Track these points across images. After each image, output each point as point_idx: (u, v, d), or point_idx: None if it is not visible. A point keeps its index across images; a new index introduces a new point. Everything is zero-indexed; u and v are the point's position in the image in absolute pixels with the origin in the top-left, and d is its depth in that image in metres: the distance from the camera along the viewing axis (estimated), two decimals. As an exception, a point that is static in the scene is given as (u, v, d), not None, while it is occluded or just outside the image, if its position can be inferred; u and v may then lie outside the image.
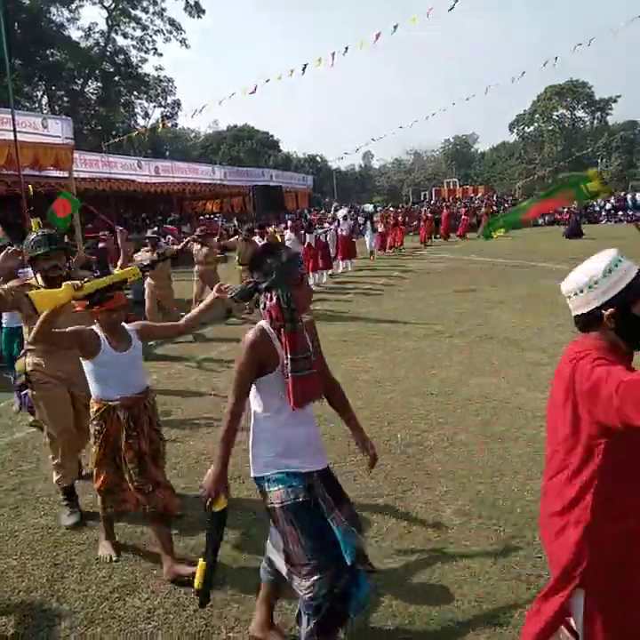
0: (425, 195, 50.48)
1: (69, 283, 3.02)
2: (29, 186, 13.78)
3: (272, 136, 64.78)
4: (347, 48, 19.56)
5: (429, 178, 71.34)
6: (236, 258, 11.49)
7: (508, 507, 3.74)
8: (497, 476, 4.17)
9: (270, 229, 14.36)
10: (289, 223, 14.34)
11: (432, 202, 41.35)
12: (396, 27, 18.51)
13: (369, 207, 25.85)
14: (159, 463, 3.39)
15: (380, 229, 21.77)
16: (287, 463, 2.36)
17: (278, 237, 12.72)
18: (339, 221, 18.27)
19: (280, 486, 2.34)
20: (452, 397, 5.81)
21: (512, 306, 10.22)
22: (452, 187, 50.74)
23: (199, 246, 9.85)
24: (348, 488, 4.02)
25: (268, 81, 20.37)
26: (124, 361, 3.22)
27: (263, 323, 2.34)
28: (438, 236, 26.76)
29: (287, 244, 12.87)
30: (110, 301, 3.22)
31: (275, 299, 2.26)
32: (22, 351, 4.00)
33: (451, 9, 16.57)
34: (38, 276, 3.87)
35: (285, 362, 2.28)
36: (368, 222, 20.71)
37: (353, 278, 15.51)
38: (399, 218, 23.51)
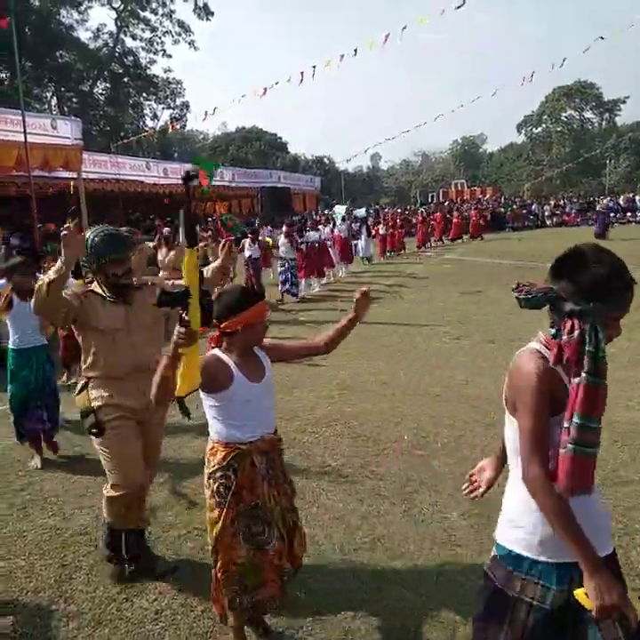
0: (433, 196, 50.37)
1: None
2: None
3: (280, 138, 64.87)
4: (356, 50, 19.61)
5: (437, 179, 71.20)
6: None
7: (516, 510, 3.71)
8: (504, 477, 4.13)
9: (267, 239, 14.07)
10: (284, 228, 13.48)
11: (433, 203, 41.28)
12: (404, 28, 18.53)
13: (360, 211, 22.78)
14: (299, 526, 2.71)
15: (381, 232, 21.14)
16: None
17: (271, 242, 12.34)
18: (334, 222, 17.62)
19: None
20: (460, 399, 5.80)
21: (518, 307, 10.18)
22: (460, 188, 50.62)
23: (165, 250, 9.05)
24: (353, 491, 4.04)
25: (276, 83, 20.44)
26: (258, 393, 2.51)
27: (540, 348, 1.76)
28: (446, 237, 26.28)
29: (281, 249, 12.59)
30: (250, 313, 2.43)
31: (579, 333, 1.60)
32: (81, 383, 3.18)
33: (459, 7, 16.55)
34: (95, 284, 3.13)
35: (566, 425, 1.62)
36: (362, 227, 19.38)
37: (356, 281, 15.44)
38: (397, 220, 22.89)
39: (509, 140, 71.53)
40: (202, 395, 2.46)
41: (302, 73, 19.82)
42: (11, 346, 4.88)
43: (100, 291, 3.08)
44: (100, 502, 4.05)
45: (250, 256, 12.34)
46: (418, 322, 9.49)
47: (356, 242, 18.68)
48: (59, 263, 2.80)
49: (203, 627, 2.83)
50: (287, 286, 12.57)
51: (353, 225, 18.68)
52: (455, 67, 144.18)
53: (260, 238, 13.16)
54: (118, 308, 3.07)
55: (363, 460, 4.55)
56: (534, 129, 64.00)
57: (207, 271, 3.26)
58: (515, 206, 35.76)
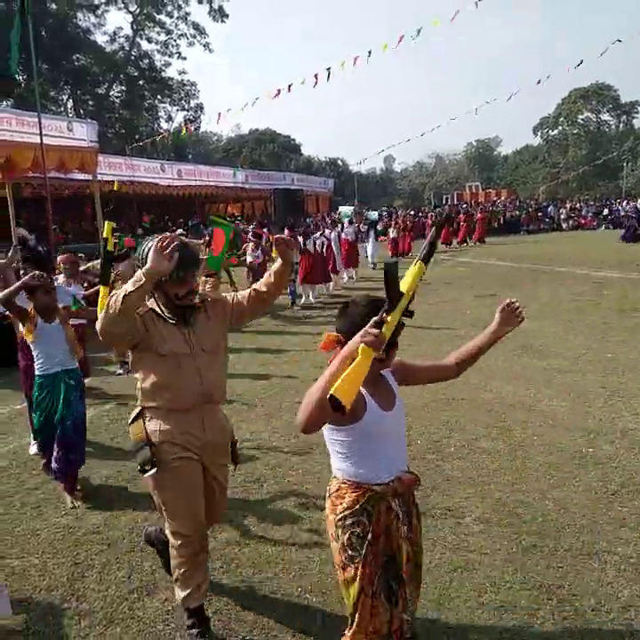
0: (447, 198, 50.19)
1: (368, 342, 1.81)
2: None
3: (294, 140, 65.00)
4: (370, 52, 19.61)
5: (451, 181, 70.95)
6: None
7: (529, 515, 3.69)
8: (517, 483, 4.12)
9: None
10: (285, 231, 12.56)
11: (447, 205, 41.11)
12: (419, 30, 18.53)
13: (373, 214, 21.56)
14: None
15: (392, 235, 20.45)
16: None
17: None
18: (342, 225, 17.04)
19: None
20: (473, 403, 5.76)
21: (533, 311, 10.10)
22: (474, 190, 50.40)
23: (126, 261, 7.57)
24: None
25: (290, 85, 20.49)
26: (391, 423, 2.18)
27: None
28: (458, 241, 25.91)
29: None
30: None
31: None
32: (135, 411, 2.78)
33: (476, 3, 16.51)
34: (152, 300, 2.70)
35: None
36: (370, 231, 18.60)
37: (365, 285, 15.39)
38: (407, 223, 22.15)
39: (525, 143, 71.17)
40: (327, 427, 2.11)
41: (316, 75, 19.85)
42: (37, 373, 4.33)
43: (158, 309, 2.67)
44: (111, 502, 4.10)
45: (251, 262, 11.81)
46: (430, 325, 9.44)
47: (362, 245, 18.33)
48: (138, 274, 2.36)
49: (214, 628, 2.82)
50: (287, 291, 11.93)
51: (361, 228, 18.14)
52: (470, 69, 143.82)
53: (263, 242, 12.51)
54: (180, 330, 2.67)
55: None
56: (550, 131, 63.60)
57: (270, 276, 2.85)
58: (530, 209, 35.51)
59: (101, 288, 4.67)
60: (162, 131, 38.89)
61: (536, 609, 2.86)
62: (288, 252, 2.77)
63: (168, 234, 2.44)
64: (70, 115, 36.99)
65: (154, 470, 2.61)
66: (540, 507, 3.78)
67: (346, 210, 19.50)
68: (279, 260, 2.83)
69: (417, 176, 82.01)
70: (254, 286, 2.90)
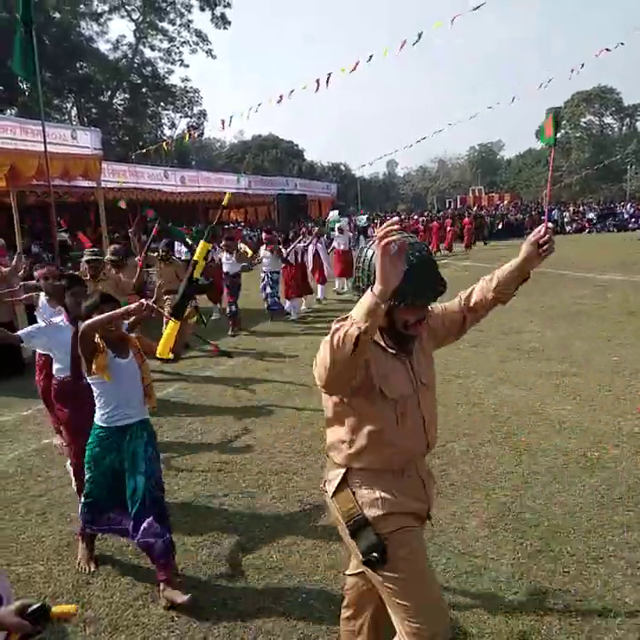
0: (450, 202, 50.24)
1: None
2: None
3: (296, 145, 65.20)
4: (371, 56, 19.64)
5: (454, 186, 71.01)
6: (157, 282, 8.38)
7: (535, 520, 3.67)
8: (523, 488, 4.10)
9: (242, 246, 12.28)
10: (264, 236, 11.57)
11: (450, 209, 41.10)
12: (420, 35, 18.54)
13: (363, 219, 19.25)
14: None
15: None
16: None
17: (249, 253, 11.10)
18: (327, 235, 15.45)
19: None
20: (479, 408, 5.74)
21: (540, 316, 10.08)
22: (477, 194, 50.41)
23: (112, 269, 6.82)
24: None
25: (292, 91, 20.53)
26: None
27: None
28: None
29: (264, 262, 10.99)
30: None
31: None
32: (338, 475, 2.08)
33: (476, 9, 16.48)
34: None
35: None
36: (361, 237, 16.70)
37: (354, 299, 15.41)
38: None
39: (528, 146, 71.17)
40: None
41: (318, 80, 19.88)
42: (97, 422, 3.30)
43: (377, 338, 2.01)
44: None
45: (227, 272, 10.34)
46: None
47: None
48: (369, 299, 1.64)
49: (217, 634, 2.82)
50: (270, 302, 11.06)
51: (352, 234, 16.60)
52: (470, 71, 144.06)
53: (240, 247, 11.34)
54: (402, 363, 2.06)
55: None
56: (553, 135, 63.55)
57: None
58: (533, 212, 35.50)
59: (171, 323, 3.90)
60: (165, 138, 39.05)
61: (542, 614, 2.84)
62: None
63: (392, 225, 1.64)
64: (74, 122, 37.21)
65: (385, 562, 1.94)
66: (545, 511, 3.76)
67: (335, 215, 17.09)
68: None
69: (420, 180, 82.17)
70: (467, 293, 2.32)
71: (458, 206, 44.94)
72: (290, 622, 2.88)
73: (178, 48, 42.76)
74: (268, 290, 10.96)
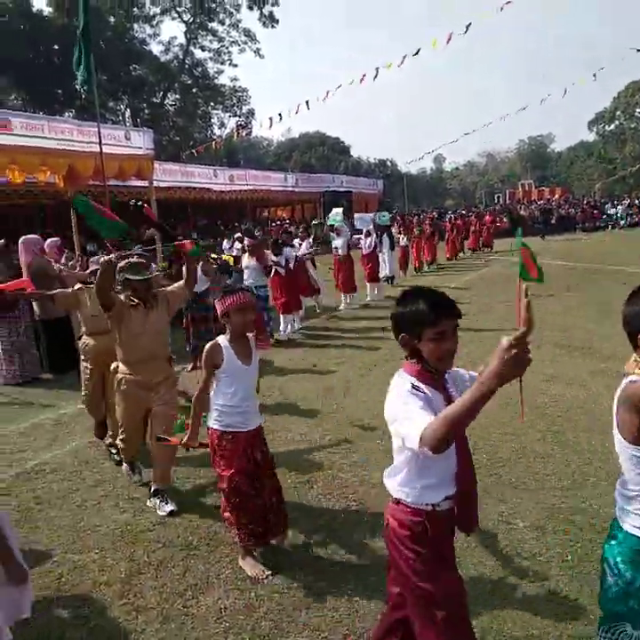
0: (499, 197, 49.30)
1: None
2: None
3: (343, 142, 65.13)
4: (419, 50, 19.43)
5: (503, 180, 69.60)
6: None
7: (585, 521, 3.58)
8: (573, 488, 4.00)
9: (225, 257, 11.38)
10: (246, 242, 9.64)
11: (499, 204, 40.25)
12: (468, 26, 18.19)
13: (385, 217, 16.16)
14: None
15: (402, 243, 16.73)
16: None
17: (231, 260, 10.39)
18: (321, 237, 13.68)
19: None
20: (528, 407, 5.63)
21: (591, 312, 9.79)
22: (527, 188, 49.28)
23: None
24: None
25: (339, 87, 20.51)
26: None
27: None
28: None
29: (245, 273, 8.99)
30: None
31: None
32: None
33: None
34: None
35: None
36: (385, 237, 14.20)
37: (385, 305, 15.14)
38: (427, 227, 18.60)
39: (580, 139, 69.09)
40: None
41: (364, 75, 19.80)
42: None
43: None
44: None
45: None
46: (482, 327, 9.29)
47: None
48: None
49: (264, 628, 2.87)
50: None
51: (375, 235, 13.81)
52: (522, 65, 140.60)
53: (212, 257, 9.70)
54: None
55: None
56: (607, 126, 61.46)
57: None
58: (585, 206, 34.45)
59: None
60: (215, 137, 39.64)
61: (593, 619, 2.77)
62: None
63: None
64: (128, 123, 38.21)
65: None
66: (596, 513, 3.66)
67: (336, 214, 14.37)
68: None
69: (468, 175, 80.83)
70: None
71: (507, 201, 44.04)
72: (335, 618, 2.91)
73: (227, 48, 43.41)
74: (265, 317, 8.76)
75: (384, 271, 14.13)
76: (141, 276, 4.20)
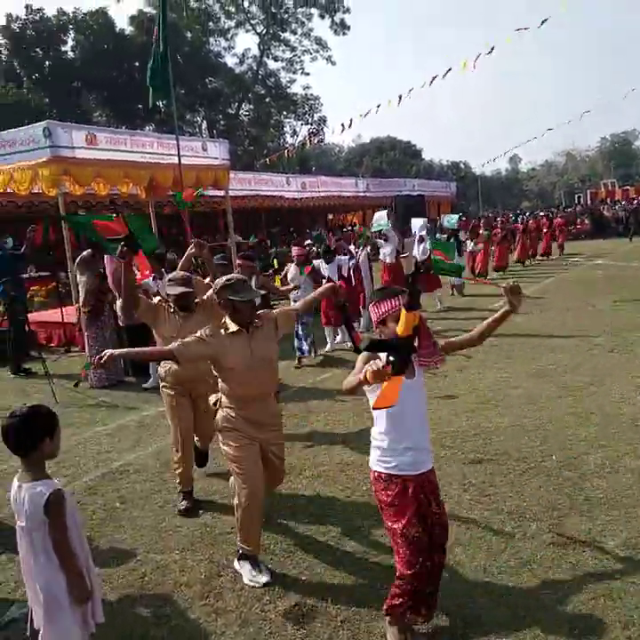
0: (579, 197, 47.31)
1: None
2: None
3: (414, 145, 64.56)
4: (492, 48, 18.96)
5: (584, 179, 66.78)
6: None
7: (684, 544, 3.34)
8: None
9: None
10: (294, 252, 9.13)
11: (580, 205, 38.55)
12: (544, 21, 17.63)
13: (452, 220, 15.49)
14: None
15: (469, 248, 16.17)
16: None
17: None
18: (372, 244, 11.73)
19: None
20: (614, 418, 5.34)
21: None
22: (610, 188, 47.00)
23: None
24: (494, 510, 3.86)
25: (411, 90, 20.32)
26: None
27: None
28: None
29: (294, 293, 7.98)
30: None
31: None
32: None
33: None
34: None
35: None
36: (451, 241, 13.21)
37: (479, 295, 14.62)
38: (499, 231, 17.35)
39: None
40: None
41: (434, 77, 19.51)
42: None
43: None
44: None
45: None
46: (564, 333, 8.92)
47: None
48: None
49: (342, 637, 2.84)
50: (302, 343, 8.29)
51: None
52: (601, 60, 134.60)
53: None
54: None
55: (505, 479, 4.35)
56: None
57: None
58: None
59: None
60: (287, 145, 40.24)
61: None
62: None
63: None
64: (204, 135, 39.45)
65: None
66: (696, 535, 3.41)
67: (380, 218, 13.10)
68: None
69: (546, 175, 78.17)
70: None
71: (588, 202, 42.18)
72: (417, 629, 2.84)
73: (299, 57, 44.07)
74: (302, 327, 8.16)
75: (450, 279, 13.09)
76: (245, 297, 3.44)
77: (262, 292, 6.06)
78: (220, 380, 3.47)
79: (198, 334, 3.38)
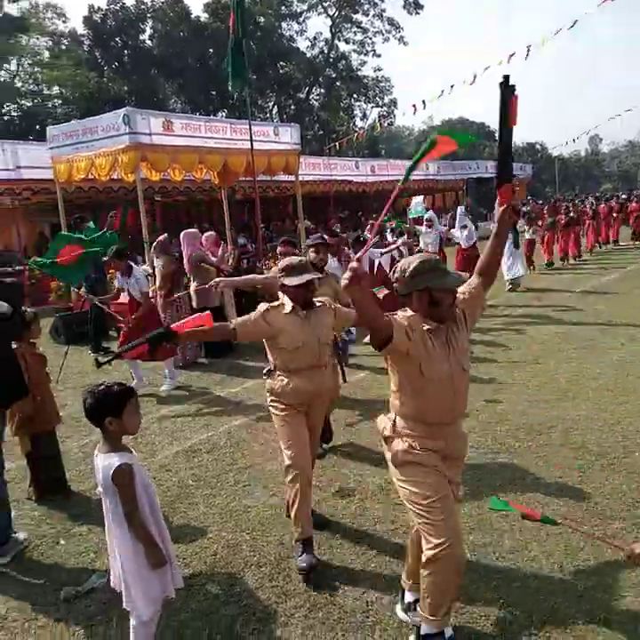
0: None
1: None
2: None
3: (488, 126, 62.52)
4: (575, 21, 17.96)
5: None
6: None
7: None
8: None
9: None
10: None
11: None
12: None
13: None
14: None
15: (527, 236, 14.83)
16: None
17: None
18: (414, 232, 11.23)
19: None
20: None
21: None
22: (702, 169, 43.93)
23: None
24: (571, 506, 3.70)
25: (487, 68, 19.58)
26: None
27: None
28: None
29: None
30: None
31: None
32: None
33: None
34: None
35: None
36: (510, 231, 10.67)
37: (546, 280, 14.05)
38: (562, 216, 16.00)
39: None
40: None
41: (512, 54, 18.68)
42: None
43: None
44: (315, 490, 4.27)
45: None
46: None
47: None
48: None
49: (408, 627, 2.80)
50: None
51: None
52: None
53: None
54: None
55: (583, 474, 4.17)
56: None
57: None
58: None
59: None
60: (357, 129, 39.88)
61: None
62: None
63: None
64: (275, 120, 39.68)
65: None
66: None
67: (417, 204, 12.58)
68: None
69: (629, 156, 74.09)
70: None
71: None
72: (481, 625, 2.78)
73: (371, 39, 43.41)
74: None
75: (508, 274, 12.04)
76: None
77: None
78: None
79: (257, 313, 3.40)
